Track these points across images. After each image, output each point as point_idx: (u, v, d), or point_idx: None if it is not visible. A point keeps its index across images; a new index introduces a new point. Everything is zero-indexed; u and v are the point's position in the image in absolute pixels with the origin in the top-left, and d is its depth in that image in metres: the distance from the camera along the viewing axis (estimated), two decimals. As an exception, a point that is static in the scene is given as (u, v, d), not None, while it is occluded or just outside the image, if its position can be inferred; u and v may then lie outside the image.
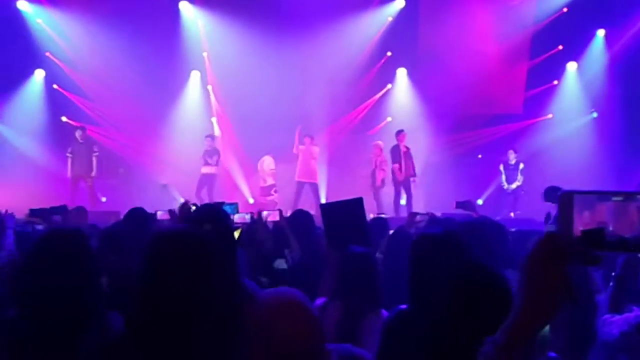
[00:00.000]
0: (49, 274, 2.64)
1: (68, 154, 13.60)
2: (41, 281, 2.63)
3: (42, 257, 2.68)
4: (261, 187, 14.71)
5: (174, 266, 2.24)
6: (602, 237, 1.30)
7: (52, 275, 2.63)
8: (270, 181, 14.61)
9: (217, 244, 3.01)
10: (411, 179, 13.44)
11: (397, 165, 13.35)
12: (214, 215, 3.10)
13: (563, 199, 1.35)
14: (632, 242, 1.31)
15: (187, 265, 2.24)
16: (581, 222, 1.33)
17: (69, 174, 13.63)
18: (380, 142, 14.00)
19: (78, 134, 13.65)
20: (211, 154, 14.24)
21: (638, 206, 1.32)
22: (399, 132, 13.60)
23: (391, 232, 5.72)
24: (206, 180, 14.16)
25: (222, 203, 5.02)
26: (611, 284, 3.73)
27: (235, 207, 6.01)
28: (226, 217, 3.17)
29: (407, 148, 13.50)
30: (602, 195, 1.34)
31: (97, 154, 13.64)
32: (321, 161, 14.58)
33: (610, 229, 1.32)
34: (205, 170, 14.19)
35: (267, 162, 14.63)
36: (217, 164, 14.27)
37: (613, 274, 3.75)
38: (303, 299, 2.40)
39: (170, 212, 5.63)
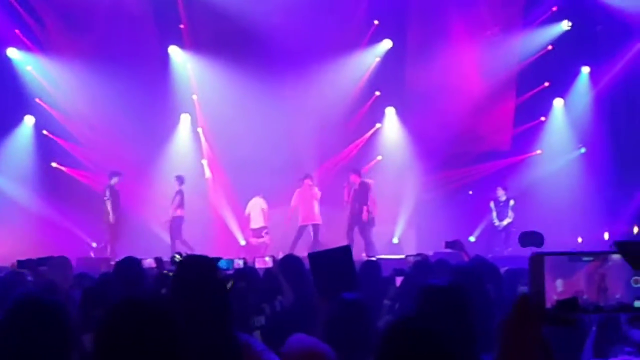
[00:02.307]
0: (21, 343, 2.60)
1: (107, 199, 13.52)
2: (13, 350, 2.59)
3: (14, 326, 2.64)
4: (252, 229, 14.65)
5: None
6: (575, 305, 1.32)
7: (24, 344, 2.59)
8: (261, 223, 14.53)
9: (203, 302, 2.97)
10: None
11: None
12: (200, 271, 3.09)
13: (534, 261, 1.37)
14: (607, 308, 1.32)
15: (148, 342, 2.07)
16: (555, 291, 1.34)
17: (111, 219, 13.53)
18: (370, 180, 14.01)
19: (116, 179, 13.65)
20: (175, 195, 14.15)
21: (603, 273, 1.33)
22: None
23: (399, 278, 5.72)
24: (179, 223, 14.08)
25: (219, 258, 4.97)
26: (593, 328, 3.71)
27: (231, 262, 5.95)
28: (215, 271, 3.16)
29: (362, 186, 13.42)
30: (573, 257, 1.36)
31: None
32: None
33: (585, 297, 1.33)
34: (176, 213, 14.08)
35: (260, 203, 14.58)
36: (173, 206, 14.04)
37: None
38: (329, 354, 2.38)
39: (157, 260, 5.59)
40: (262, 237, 14.49)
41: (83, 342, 3.03)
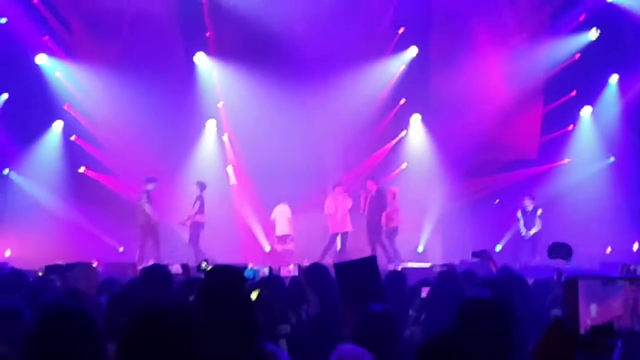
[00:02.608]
0: (48, 352, 2.60)
1: (145, 202, 13.61)
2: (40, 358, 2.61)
3: (41, 335, 2.65)
4: (277, 236, 14.65)
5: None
6: (610, 330, 1.29)
7: (51, 353, 2.60)
8: (285, 230, 14.51)
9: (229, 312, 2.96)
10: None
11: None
12: (228, 282, 3.08)
13: (568, 285, 1.34)
14: None
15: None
16: (589, 316, 1.31)
17: (154, 219, 13.63)
18: (395, 188, 13.96)
19: (152, 185, 13.74)
20: (195, 201, 14.13)
21: (637, 297, 1.30)
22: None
23: (425, 289, 5.65)
24: (198, 229, 14.09)
25: (245, 267, 4.96)
26: (619, 343, 3.62)
27: (256, 272, 5.93)
28: (243, 282, 3.14)
29: (379, 193, 13.46)
30: (607, 281, 1.32)
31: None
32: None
33: (619, 321, 1.30)
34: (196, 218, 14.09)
35: (286, 212, 14.56)
36: (193, 211, 14.04)
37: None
38: None
39: (184, 266, 5.59)
40: (287, 244, 14.48)
41: (108, 351, 3.02)
